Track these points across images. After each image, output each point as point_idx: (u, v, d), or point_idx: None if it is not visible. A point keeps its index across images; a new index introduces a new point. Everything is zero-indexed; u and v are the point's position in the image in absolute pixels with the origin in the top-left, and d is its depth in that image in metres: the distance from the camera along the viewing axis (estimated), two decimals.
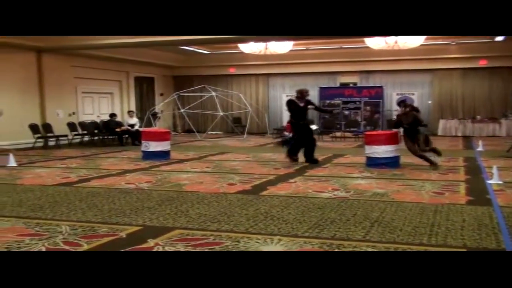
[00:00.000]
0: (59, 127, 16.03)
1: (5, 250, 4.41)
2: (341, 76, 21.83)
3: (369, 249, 4.33)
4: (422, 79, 20.96)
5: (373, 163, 9.79)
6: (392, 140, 9.88)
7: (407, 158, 10.93)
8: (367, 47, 17.04)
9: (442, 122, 20.10)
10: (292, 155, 10.72)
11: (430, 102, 20.84)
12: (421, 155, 9.67)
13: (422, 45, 16.43)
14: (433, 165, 9.55)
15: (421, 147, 9.57)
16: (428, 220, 5.35)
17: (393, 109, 20.50)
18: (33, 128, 15.26)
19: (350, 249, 4.33)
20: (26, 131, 15.04)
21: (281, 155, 12.30)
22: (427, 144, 9.63)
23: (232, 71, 22.55)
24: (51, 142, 15.70)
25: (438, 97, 20.58)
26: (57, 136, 15.78)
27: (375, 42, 15.67)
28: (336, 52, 20.26)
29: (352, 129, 18.95)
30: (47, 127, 15.76)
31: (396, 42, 15.20)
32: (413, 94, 20.50)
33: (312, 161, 10.61)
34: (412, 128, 9.63)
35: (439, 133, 19.92)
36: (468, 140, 17.24)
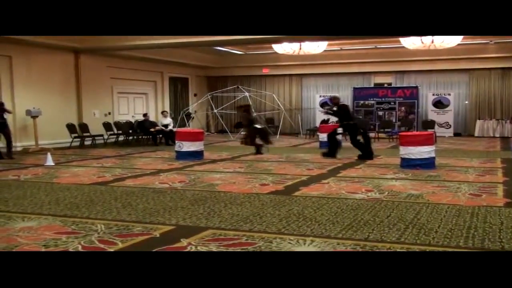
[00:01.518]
0: (95, 127, 16.33)
1: (43, 247, 4.51)
2: (375, 76, 21.63)
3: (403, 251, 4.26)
4: (458, 79, 20.59)
5: (407, 164, 9.65)
6: (427, 141, 9.73)
7: (443, 159, 10.76)
8: (402, 47, 16.81)
9: (479, 123, 19.70)
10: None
11: (466, 102, 20.44)
12: (252, 144, 12.95)
13: (459, 44, 16.14)
14: (259, 152, 12.45)
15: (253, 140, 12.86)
16: (464, 223, 5.24)
17: (429, 109, 20.23)
18: (70, 127, 15.58)
19: (384, 251, 4.27)
20: (63, 130, 15.38)
21: (314, 156, 12.27)
22: (265, 139, 13.11)
23: (265, 71, 22.55)
24: (87, 142, 16.01)
25: (475, 97, 20.17)
26: (93, 136, 16.08)
27: (410, 42, 15.44)
28: (370, 52, 20.08)
29: (386, 129, 18.73)
30: (84, 127, 16.08)
31: (432, 42, 14.96)
32: (449, 94, 20.16)
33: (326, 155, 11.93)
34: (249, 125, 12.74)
35: (476, 134, 19.53)
36: (506, 141, 16.84)
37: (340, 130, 11.99)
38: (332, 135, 12.05)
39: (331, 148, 11.90)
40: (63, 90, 15.97)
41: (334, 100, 12.28)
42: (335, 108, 12.05)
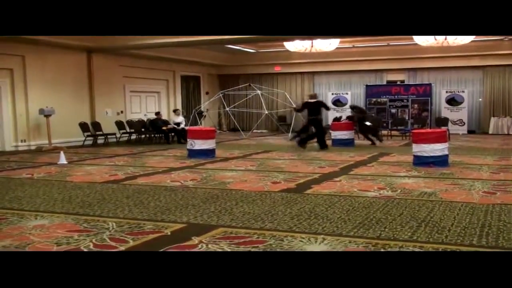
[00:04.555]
0: (108, 126, 16.41)
1: (55, 245, 4.53)
2: (388, 74, 21.50)
3: (416, 250, 4.22)
4: (472, 76, 20.38)
5: (420, 161, 9.57)
6: (440, 138, 9.64)
7: (457, 157, 10.67)
8: (415, 44, 16.68)
9: (493, 120, 19.50)
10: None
11: (480, 99, 20.24)
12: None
13: (472, 41, 15.99)
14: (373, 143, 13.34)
15: None
16: (478, 221, 5.18)
17: (443, 107, 20.08)
18: (83, 126, 15.67)
19: (396, 249, 4.23)
20: (76, 129, 15.48)
21: (326, 154, 12.24)
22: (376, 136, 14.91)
23: (277, 69, 22.51)
24: (100, 140, 16.09)
25: (489, 95, 19.97)
26: (106, 134, 16.16)
27: (423, 39, 15.31)
28: (383, 50, 19.96)
29: (399, 127, 18.61)
30: (96, 126, 16.16)
31: (445, 39, 14.82)
32: (463, 91, 19.97)
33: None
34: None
35: (490, 131, 19.33)
36: None
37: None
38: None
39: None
40: (76, 89, 16.07)
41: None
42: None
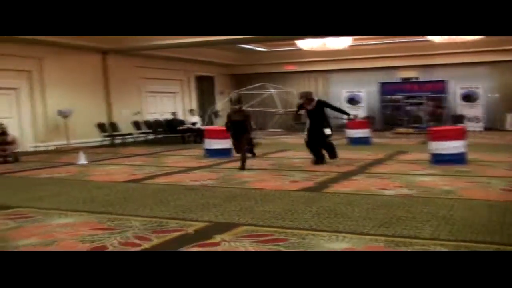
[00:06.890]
0: (125, 126, 16.56)
1: (80, 243, 4.62)
2: (400, 71, 21.36)
3: (438, 248, 4.24)
4: (487, 71, 20.15)
5: (438, 159, 9.55)
6: (458, 135, 9.62)
7: (473, 154, 10.62)
8: (427, 41, 16.61)
9: (510, 116, 19.32)
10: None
11: (496, 95, 20.03)
12: None
13: (485, 36, 15.86)
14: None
15: None
16: (498, 218, 5.19)
17: (458, 103, 19.95)
18: (101, 127, 15.83)
19: (418, 247, 4.26)
20: (94, 130, 15.65)
21: (341, 152, 12.24)
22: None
23: (290, 68, 22.48)
24: (117, 140, 16.24)
25: (505, 90, 19.78)
26: (123, 135, 16.31)
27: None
28: (395, 46, 19.88)
29: (415, 125, 18.53)
30: (114, 126, 16.32)
31: None
32: (478, 87, 19.79)
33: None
34: None
35: (507, 127, 19.16)
36: None
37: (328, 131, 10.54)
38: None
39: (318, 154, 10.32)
40: (93, 90, 16.25)
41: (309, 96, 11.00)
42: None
